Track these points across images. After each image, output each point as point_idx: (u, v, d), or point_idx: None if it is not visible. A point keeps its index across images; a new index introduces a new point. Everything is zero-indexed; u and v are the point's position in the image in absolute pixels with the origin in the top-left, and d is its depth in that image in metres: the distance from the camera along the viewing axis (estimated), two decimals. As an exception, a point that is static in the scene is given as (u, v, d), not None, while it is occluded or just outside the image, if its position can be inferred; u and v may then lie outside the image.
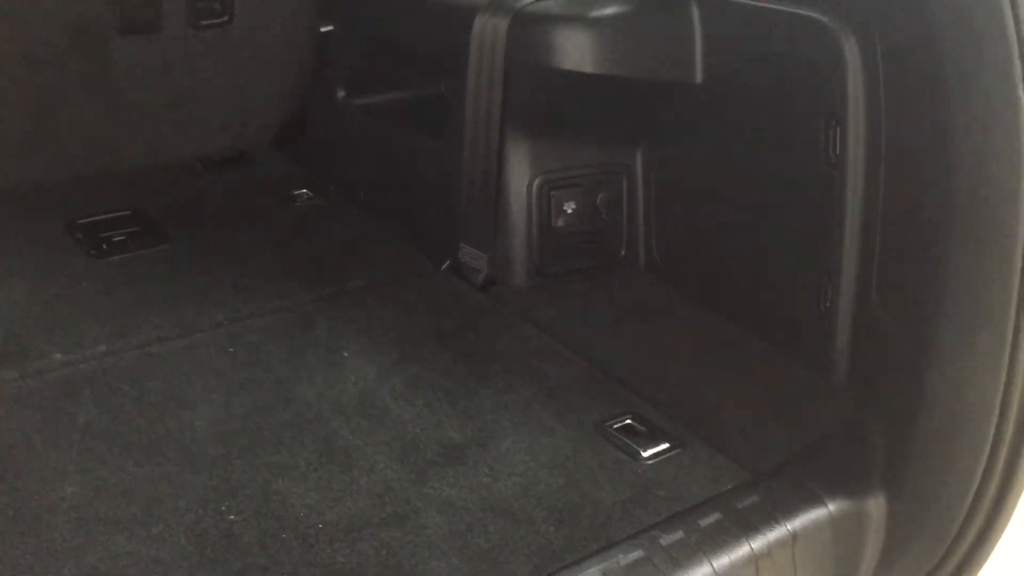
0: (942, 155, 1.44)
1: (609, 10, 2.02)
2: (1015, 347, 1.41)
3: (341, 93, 2.72)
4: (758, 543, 1.51)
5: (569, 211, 2.23)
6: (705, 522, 1.52)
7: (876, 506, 1.60)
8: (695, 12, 2.00)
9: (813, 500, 1.58)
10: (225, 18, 2.80)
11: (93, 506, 1.52)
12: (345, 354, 1.96)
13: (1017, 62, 1.31)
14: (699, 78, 2.03)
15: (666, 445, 1.72)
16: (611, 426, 1.77)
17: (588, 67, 2.02)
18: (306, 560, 1.44)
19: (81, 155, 2.68)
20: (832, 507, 1.58)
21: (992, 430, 1.47)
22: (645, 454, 1.70)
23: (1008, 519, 1.57)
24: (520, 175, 2.19)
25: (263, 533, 1.48)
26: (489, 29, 2.06)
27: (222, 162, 2.83)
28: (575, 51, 2.00)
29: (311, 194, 2.67)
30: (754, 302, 2.03)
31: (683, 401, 1.85)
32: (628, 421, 1.78)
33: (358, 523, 1.51)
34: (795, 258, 1.91)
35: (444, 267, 2.32)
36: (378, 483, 1.60)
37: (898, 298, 1.64)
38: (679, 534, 1.50)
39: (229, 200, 2.65)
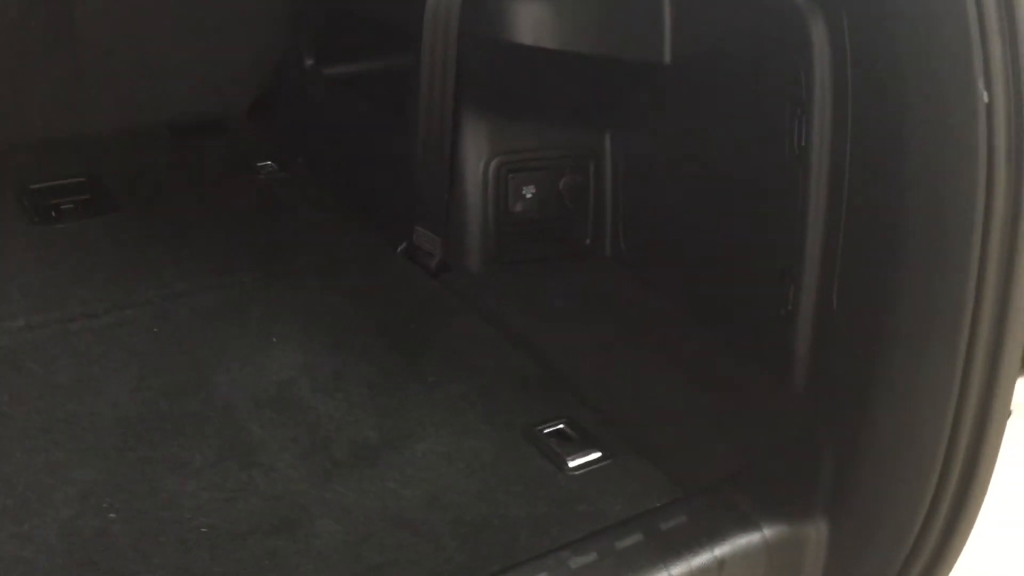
0: (899, 151, 1.29)
1: None
2: (967, 365, 1.26)
3: (310, 61, 2.60)
4: (679, 569, 1.38)
5: (528, 195, 2.09)
6: (623, 544, 1.39)
7: (816, 531, 1.46)
8: (664, -14, 1.84)
9: (745, 523, 1.44)
10: (195, -21, 2.69)
11: (-33, 497, 1.42)
12: (274, 339, 1.85)
13: (977, 49, 1.14)
14: (668, 58, 1.87)
15: (596, 455, 1.59)
16: (541, 430, 1.64)
17: (546, 42, 1.87)
18: (180, 567, 1.33)
19: (42, 118, 2.59)
20: (767, 531, 1.44)
21: (942, 453, 1.33)
22: (571, 464, 1.57)
23: (959, 549, 1.43)
24: (475, 155, 2.05)
25: (140, 535, 1.38)
26: (444, 0, 1.91)
27: (191, 130, 2.72)
28: (530, 24, 1.85)
29: (276, 167, 2.56)
30: (717, 301, 1.88)
31: (624, 405, 1.72)
32: (560, 426, 1.65)
33: (245, 528, 1.40)
34: (758, 256, 1.76)
35: (400, 250, 2.19)
36: (276, 484, 1.49)
37: (853, 304, 1.49)
38: (592, 556, 1.37)
39: (189, 170, 2.55)
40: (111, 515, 1.41)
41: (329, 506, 1.45)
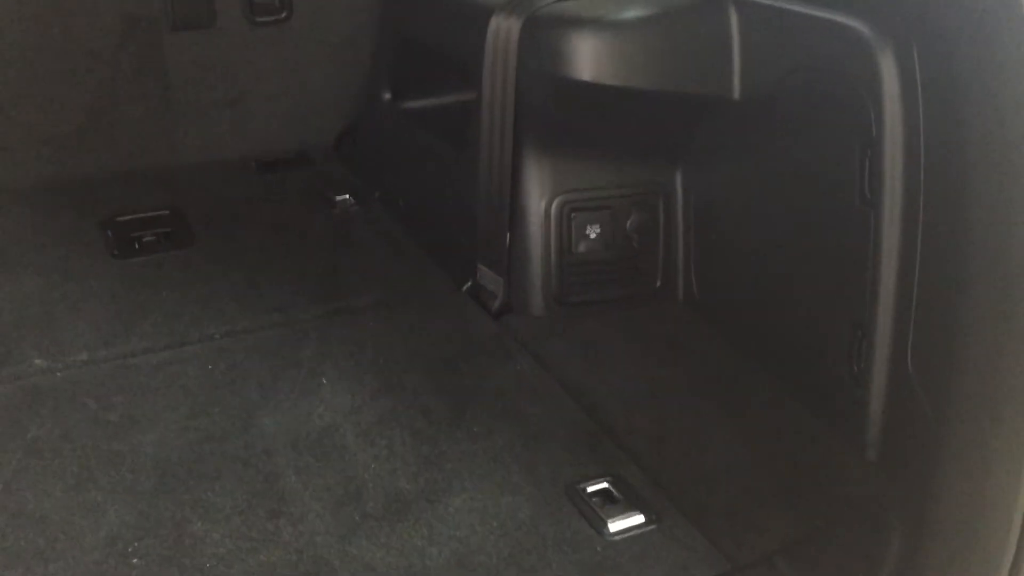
0: (964, 202, 1.15)
1: (632, 13, 1.77)
2: None
3: (387, 95, 2.59)
4: (717, 654, 1.27)
5: (593, 235, 2.01)
6: (656, 621, 1.29)
7: (876, 616, 1.32)
8: (733, 18, 1.74)
9: (796, 605, 1.31)
10: (283, 14, 2.73)
11: (2, 535, 1.44)
12: (324, 380, 1.83)
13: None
14: (736, 94, 1.77)
15: (640, 519, 1.49)
16: (584, 488, 1.55)
17: (606, 78, 1.79)
18: (193, 620, 1.30)
19: (132, 151, 2.67)
20: None
21: (1016, 534, 1.18)
22: (612, 527, 1.47)
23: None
24: (537, 194, 1.98)
25: (160, 582, 1.36)
26: (503, 32, 1.86)
27: (277, 163, 2.76)
28: (590, 60, 1.77)
29: (352, 201, 2.56)
30: (786, 354, 1.75)
31: (677, 464, 1.61)
32: (605, 484, 1.56)
33: (265, 581, 1.37)
34: (830, 307, 1.62)
35: (464, 289, 2.14)
36: (302, 535, 1.45)
37: (926, 365, 1.35)
38: (620, 635, 1.27)
39: (269, 203, 2.57)
40: (135, 560, 1.40)
41: (352, 562, 1.40)
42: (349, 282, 2.19)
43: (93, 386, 1.80)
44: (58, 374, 1.84)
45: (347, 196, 2.57)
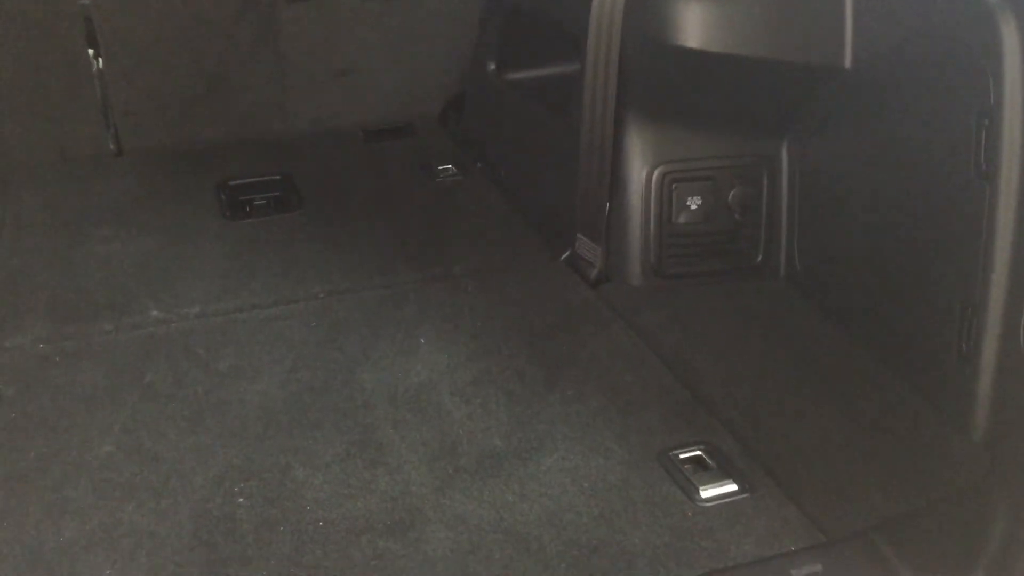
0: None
1: None
2: None
3: (492, 66, 2.61)
4: (806, 623, 1.25)
5: (694, 207, 1.99)
6: (745, 589, 1.28)
7: (976, 597, 1.28)
8: (846, -17, 1.69)
9: (890, 579, 1.29)
10: (394, -12, 2.77)
11: (119, 469, 1.52)
12: (422, 340, 1.86)
13: None
14: (847, 62, 1.72)
15: (733, 487, 1.48)
16: (677, 455, 1.55)
17: (713, 45, 1.77)
18: (292, 559, 1.36)
19: (246, 119, 2.76)
20: None
21: None
22: (704, 494, 1.47)
23: None
24: (638, 164, 1.98)
25: (263, 523, 1.42)
26: (609, 0, 1.85)
27: (383, 133, 2.82)
28: (697, 27, 1.76)
29: (455, 170, 2.59)
30: (891, 331, 1.71)
31: (772, 437, 1.59)
32: (698, 452, 1.55)
33: (360, 526, 1.41)
34: (937, 285, 1.58)
35: (563, 258, 2.16)
36: (397, 485, 1.49)
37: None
38: (707, 600, 1.27)
39: (375, 171, 2.63)
40: (240, 500, 1.46)
41: (444, 513, 1.44)
42: (449, 249, 2.22)
43: (204, 338, 1.88)
44: (172, 325, 1.92)
45: (450, 166, 2.61)
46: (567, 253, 2.15)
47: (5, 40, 2.49)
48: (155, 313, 1.96)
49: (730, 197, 2.00)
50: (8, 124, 2.55)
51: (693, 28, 1.77)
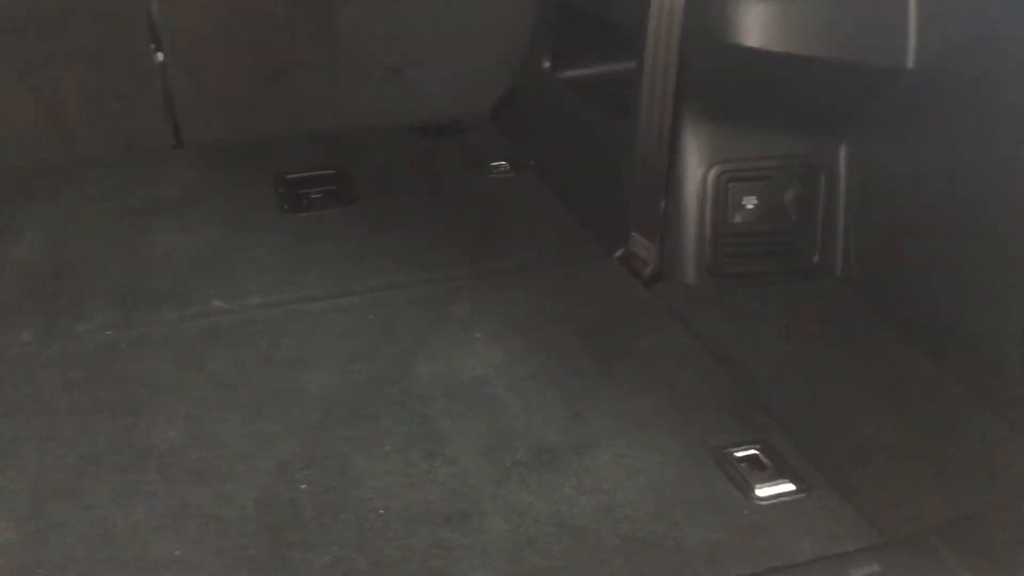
0: None
1: None
2: None
3: (546, 64, 2.62)
4: (864, 624, 1.26)
5: (750, 207, 1.99)
6: (801, 588, 1.29)
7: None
8: (910, -16, 1.69)
9: (951, 581, 1.29)
10: (452, -16, 2.80)
11: (186, 454, 1.56)
12: (478, 335, 1.89)
13: None
14: (910, 62, 1.72)
15: (789, 487, 1.48)
16: (732, 453, 1.56)
17: (774, 44, 1.77)
18: (354, 546, 1.39)
19: (303, 113, 2.80)
20: None
21: None
22: (760, 492, 1.47)
23: None
24: (695, 162, 1.98)
25: (325, 509, 1.45)
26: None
27: (435, 129, 2.84)
28: (758, 25, 1.76)
29: (507, 168, 2.61)
30: (951, 335, 1.70)
31: (829, 438, 1.59)
32: (754, 451, 1.56)
33: (420, 515, 1.44)
34: (999, 289, 1.57)
35: (616, 256, 2.17)
36: (455, 476, 1.51)
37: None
38: (764, 597, 1.28)
39: (428, 168, 2.66)
40: (302, 486, 1.49)
41: (502, 504, 1.46)
42: (502, 245, 2.24)
43: (264, 328, 1.92)
44: (233, 316, 1.96)
45: (502, 163, 2.63)
46: (621, 251, 2.16)
47: (71, 33, 2.56)
48: (216, 303, 2.00)
49: (786, 197, 1.99)
50: (75, 116, 2.61)
51: (754, 27, 1.78)
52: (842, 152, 1.98)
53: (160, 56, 2.65)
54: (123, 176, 2.56)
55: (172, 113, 2.70)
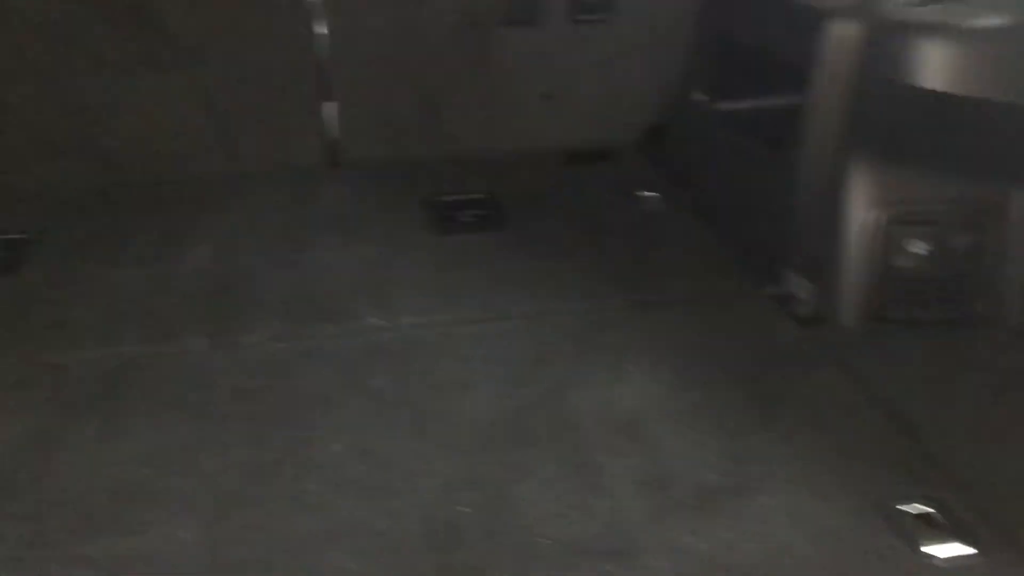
0: None
1: (987, 21, 1.69)
2: None
3: (701, 95, 2.62)
4: None
5: (916, 251, 1.94)
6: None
7: None
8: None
9: None
10: (605, 14, 2.82)
11: (350, 468, 1.61)
12: (631, 367, 1.89)
13: None
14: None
15: (964, 548, 1.43)
16: (900, 507, 1.51)
17: (956, 88, 1.72)
18: (519, 573, 1.40)
19: (457, 136, 2.87)
20: None
21: None
22: (931, 551, 1.43)
23: None
24: (861, 204, 1.94)
25: (487, 534, 1.48)
26: (844, 37, 1.83)
27: (584, 155, 2.87)
28: (942, 69, 1.72)
29: (658, 197, 2.62)
30: None
31: (1002, 496, 1.53)
32: (924, 507, 1.51)
33: (581, 547, 1.45)
34: None
35: (770, 293, 2.14)
36: (613, 511, 1.52)
37: None
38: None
39: (578, 194, 2.68)
40: (464, 509, 1.52)
41: (662, 542, 1.45)
42: (653, 276, 2.24)
43: (422, 349, 1.97)
44: (389, 334, 2.02)
45: (652, 192, 2.63)
46: (775, 288, 2.13)
47: (239, 56, 2.68)
48: (374, 320, 2.06)
49: (956, 243, 1.93)
50: (241, 135, 2.74)
51: (936, 69, 1.74)
52: (1014, 198, 1.90)
53: (323, 80, 2.76)
54: (284, 192, 2.67)
55: (331, 134, 2.80)
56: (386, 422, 1.74)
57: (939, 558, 1.41)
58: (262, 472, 1.61)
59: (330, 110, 2.80)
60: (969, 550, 1.42)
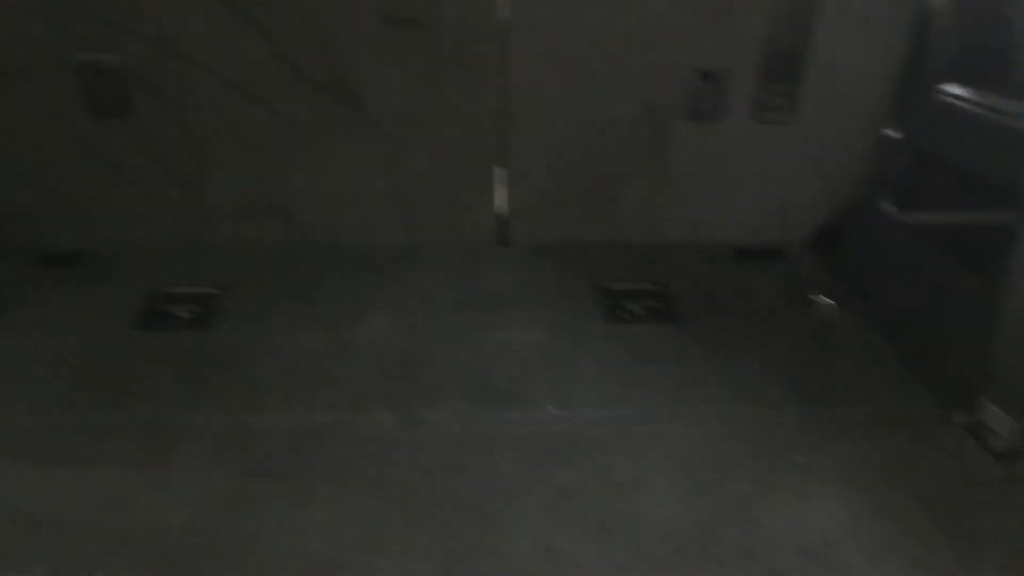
0: None
1: None
2: None
3: (885, 202, 2.56)
4: None
5: None
6: None
7: None
8: None
9: None
10: (788, 115, 2.81)
11: (537, 567, 1.60)
12: (819, 489, 1.84)
13: None
14: None
15: None
16: None
17: None
18: None
19: (626, 223, 2.88)
20: None
21: None
22: None
23: None
24: (1076, 341, 1.86)
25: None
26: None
27: (753, 252, 2.84)
28: None
29: (832, 303, 2.56)
30: None
31: None
32: None
33: None
34: None
35: (960, 421, 2.06)
36: None
37: None
38: None
39: (747, 292, 2.65)
40: None
41: None
42: (832, 390, 2.19)
43: (599, 443, 1.96)
44: (568, 425, 2.02)
45: (825, 298, 2.58)
46: (968, 416, 2.05)
47: (424, 130, 2.76)
48: (551, 409, 2.06)
49: None
50: (420, 209, 2.81)
51: None
52: None
53: (501, 162, 2.82)
54: (457, 266, 2.72)
55: (503, 213, 2.85)
56: (569, 519, 1.73)
57: None
58: (448, 559, 1.61)
59: (503, 188, 2.85)
60: None
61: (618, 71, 2.62)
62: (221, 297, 2.50)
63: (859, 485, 1.85)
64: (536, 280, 2.68)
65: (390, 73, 2.59)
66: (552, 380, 2.18)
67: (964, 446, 1.99)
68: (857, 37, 2.56)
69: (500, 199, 2.86)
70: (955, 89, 2.29)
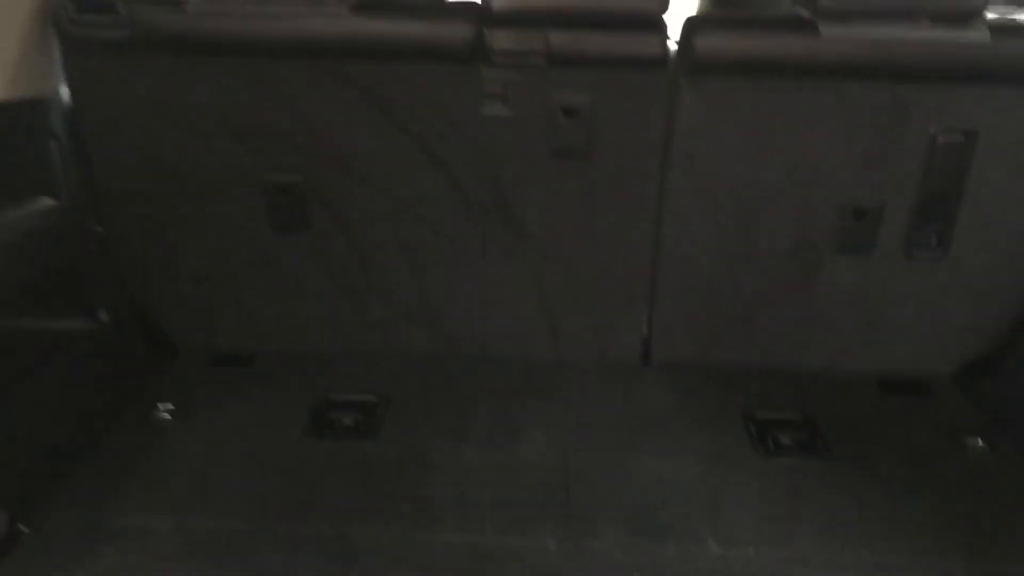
0: None
1: None
2: None
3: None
4: None
5: None
6: None
7: None
8: None
9: None
10: (939, 252, 2.83)
11: None
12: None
13: None
14: None
15: None
16: None
17: None
18: None
19: (769, 349, 2.91)
20: None
21: None
22: None
23: None
24: None
25: None
26: None
27: (897, 385, 2.84)
28: None
29: (986, 446, 2.54)
30: None
31: None
32: None
33: None
34: None
35: None
36: None
37: None
38: None
39: (896, 428, 2.64)
40: None
41: None
42: (998, 542, 2.16)
43: (764, 584, 1.98)
44: (732, 562, 2.04)
45: (979, 440, 2.55)
46: None
47: (577, 251, 2.85)
48: (713, 546, 2.09)
49: None
50: (566, 324, 2.91)
51: None
52: None
53: (649, 280, 2.89)
54: (603, 386, 2.79)
55: (648, 331, 2.92)
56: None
57: None
58: None
59: (648, 308, 2.92)
60: None
61: (771, 206, 2.69)
62: (380, 405, 2.62)
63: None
64: (682, 404, 2.72)
65: (552, 199, 2.71)
66: (711, 514, 2.21)
67: None
68: (1012, 179, 2.58)
69: (645, 319, 2.94)
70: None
